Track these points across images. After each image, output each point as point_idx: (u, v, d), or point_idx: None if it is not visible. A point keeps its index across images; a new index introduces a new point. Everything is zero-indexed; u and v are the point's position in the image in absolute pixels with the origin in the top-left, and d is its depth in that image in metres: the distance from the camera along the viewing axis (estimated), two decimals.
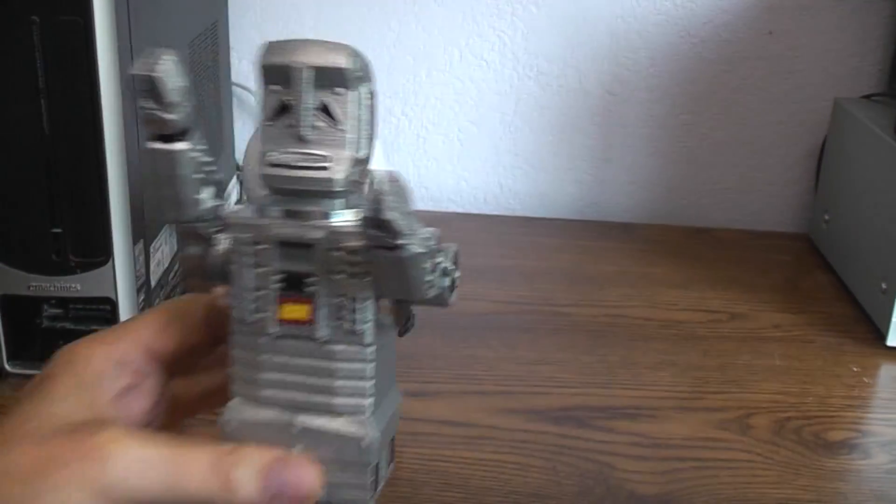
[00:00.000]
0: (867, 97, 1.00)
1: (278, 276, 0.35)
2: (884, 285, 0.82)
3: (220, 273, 0.36)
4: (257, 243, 0.34)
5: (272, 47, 0.33)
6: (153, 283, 0.70)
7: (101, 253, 0.65)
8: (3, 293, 0.66)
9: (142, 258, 0.68)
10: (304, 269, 0.34)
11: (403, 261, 0.32)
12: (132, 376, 0.38)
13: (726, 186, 1.11)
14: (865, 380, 0.77)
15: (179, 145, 0.34)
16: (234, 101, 1.07)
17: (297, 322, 0.35)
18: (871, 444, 0.68)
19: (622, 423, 0.69)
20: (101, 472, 0.33)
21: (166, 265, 0.74)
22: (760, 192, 1.11)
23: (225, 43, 0.98)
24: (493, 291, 0.88)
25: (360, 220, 0.33)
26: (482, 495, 0.60)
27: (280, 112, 0.34)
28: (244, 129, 1.09)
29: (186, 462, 0.34)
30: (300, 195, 0.34)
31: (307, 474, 0.35)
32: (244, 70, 1.08)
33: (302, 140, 0.34)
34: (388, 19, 1.06)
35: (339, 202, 0.35)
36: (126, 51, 0.62)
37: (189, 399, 0.41)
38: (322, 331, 0.35)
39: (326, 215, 0.35)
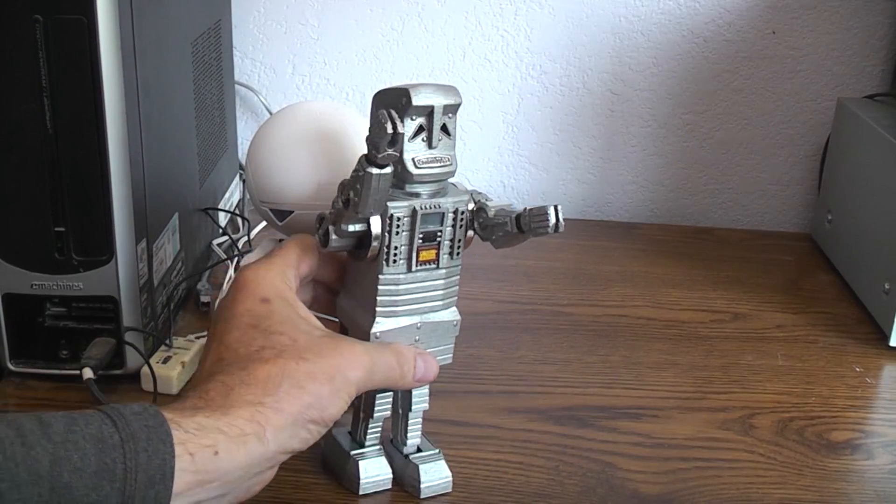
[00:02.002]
0: (870, 97, 1.00)
1: (420, 234, 0.54)
2: (887, 286, 0.82)
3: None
4: (412, 215, 0.54)
5: (413, 91, 0.52)
6: (156, 282, 0.70)
7: (103, 252, 0.65)
8: (6, 292, 0.66)
9: (144, 257, 0.68)
10: (434, 229, 0.55)
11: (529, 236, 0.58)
12: (294, 283, 0.55)
13: (729, 186, 1.11)
14: (868, 380, 0.77)
15: (389, 170, 0.52)
16: (238, 100, 1.07)
17: (427, 261, 0.56)
18: (874, 445, 0.68)
19: (625, 422, 0.69)
20: (352, 375, 0.51)
21: (169, 264, 0.74)
22: (763, 192, 1.11)
23: (228, 42, 0.98)
24: (495, 291, 0.87)
25: (475, 199, 0.57)
26: (484, 495, 0.60)
27: (418, 132, 0.53)
28: (247, 128, 1.09)
29: (384, 359, 0.54)
30: (429, 182, 0.54)
31: (434, 364, 0.57)
32: (247, 69, 1.08)
33: (432, 148, 0.54)
34: (391, 19, 1.06)
35: (450, 186, 0.56)
36: (129, 50, 0.62)
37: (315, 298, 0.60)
38: (441, 263, 0.56)
39: (446, 195, 0.55)
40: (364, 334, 0.56)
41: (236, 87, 1.05)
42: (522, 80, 1.07)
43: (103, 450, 0.41)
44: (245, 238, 0.93)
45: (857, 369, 0.78)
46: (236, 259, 0.83)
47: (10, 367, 0.68)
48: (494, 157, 1.11)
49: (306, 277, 0.57)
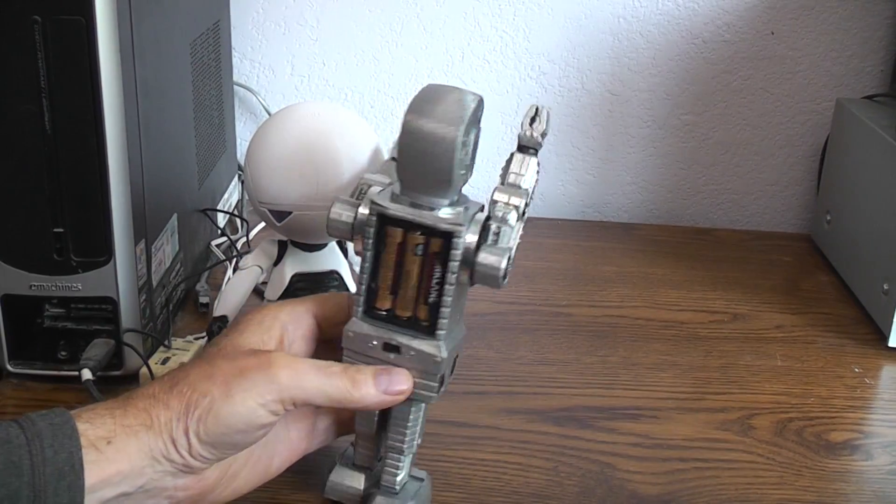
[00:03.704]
0: (869, 98, 1.00)
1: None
2: (886, 286, 0.82)
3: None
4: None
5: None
6: (154, 283, 0.70)
7: (102, 253, 0.65)
8: (5, 293, 0.66)
9: (143, 258, 0.68)
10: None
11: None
12: (304, 330, 0.55)
13: (728, 187, 1.11)
14: (867, 381, 0.77)
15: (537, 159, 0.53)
16: (236, 101, 1.07)
17: None
18: (873, 446, 0.68)
19: (623, 423, 0.69)
20: (274, 378, 0.49)
21: (167, 265, 0.74)
22: (762, 192, 1.11)
23: (227, 42, 0.98)
24: (493, 291, 0.87)
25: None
26: (483, 496, 0.60)
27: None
28: (245, 129, 1.09)
29: (328, 370, 0.51)
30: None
31: (403, 378, 0.52)
32: (246, 70, 1.08)
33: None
34: (390, 20, 1.06)
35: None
36: (128, 50, 0.62)
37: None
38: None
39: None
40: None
41: (235, 87, 1.05)
42: (521, 81, 1.07)
43: (10, 450, 0.45)
44: (244, 239, 0.93)
45: (856, 370, 0.78)
46: (235, 260, 0.83)
47: (9, 368, 0.68)
48: (493, 157, 1.10)
49: (324, 321, 0.56)
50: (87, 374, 0.64)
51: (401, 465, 0.55)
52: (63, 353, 0.68)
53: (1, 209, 0.63)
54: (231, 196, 1.00)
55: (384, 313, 0.52)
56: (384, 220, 0.50)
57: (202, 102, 0.86)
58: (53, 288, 0.65)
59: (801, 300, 0.90)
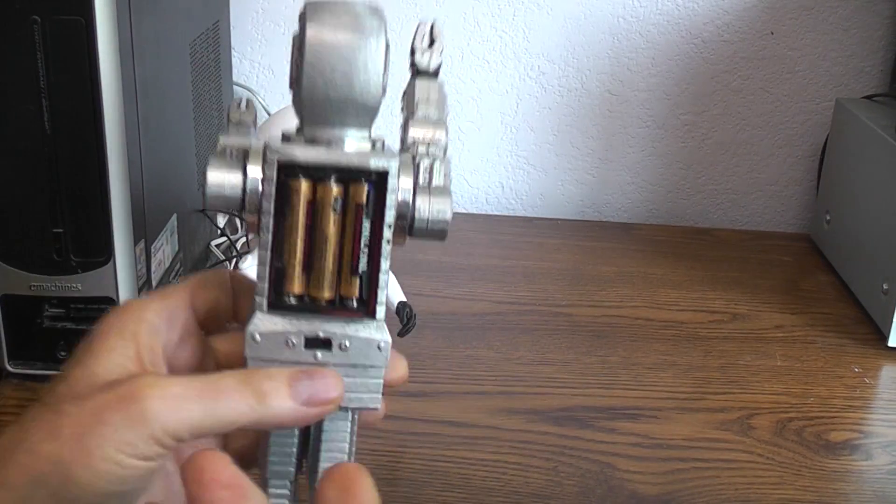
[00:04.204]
0: (869, 97, 1.00)
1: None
2: (885, 286, 0.82)
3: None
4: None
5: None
6: (154, 283, 0.70)
7: (102, 253, 0.65)
8: (5, 293, 0.66)
9: (143, 258, 0.68)
10: None
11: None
12: (181, 329, 0.40)
13: (727, 187, 1.11)
14: (867, 381, 0.77)
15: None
16: None
17: None
18: (873, 445, 0.68)
19: (623, 423, 0.69)
20: (141, 415, 0.34)
21: (167, 265, 0.74)
22: (761, 192, 1.11)
23: (226, 42, 0.98)
24: (493, 291, 0.87)
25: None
26: (483, 495, 0.60)
27: None
28: None
29: (218, 386, 0.36)
30: None
31: (332, 381, 0.37)
32: (245, 70, 1.08)
33: None
34: (390, 20, 1.05)
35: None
36: (127, 51, 0.62)
37: (234, 356, 0.41)
38: None
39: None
40: None
41: (235, 87, 1.05)
42: (521, 81, 1.07)
43: None
44: (243, 239, 0.93)
45: (856, 369, 0.78)
46: (235, 260, 0.83)
47: (9, 368, 0.68)
48: (493, 157, 1.11)
49: (205, 312, 0.42)
50: None
51: None
52: (63, 353, 0.68)
53: (1, 209, 0.63)
54: None
55: (298, 300, 0.38)
56: (286, 174, 0.38)
57: (202, 102, 0.86)
58: (53, 288, 0.65)
59: (801, 300, 0.90)
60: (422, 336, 0.78)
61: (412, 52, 0.43)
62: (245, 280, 0.42)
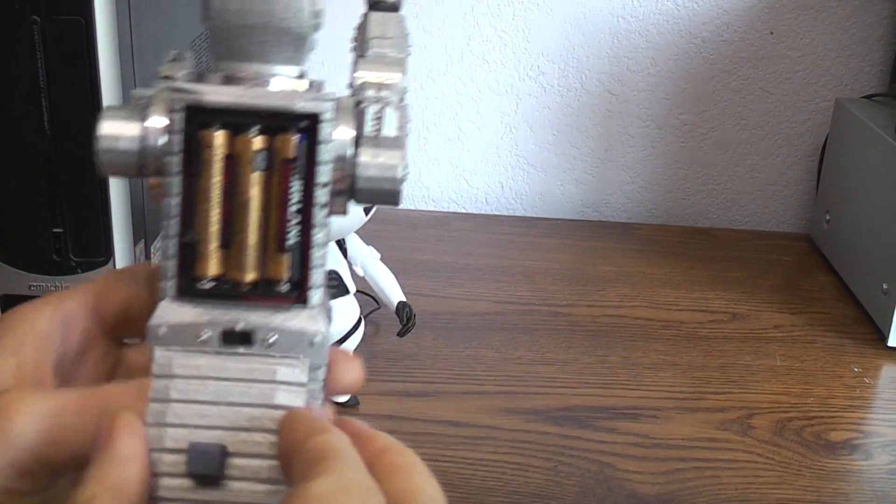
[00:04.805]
0: (868, 97, 1.00)
1: None
2: (885, 286, 0.82)
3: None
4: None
5: None
6: None
7: (101, 253, 0.65)
8: (4, 293, 0.66)
9: (143, 258, 0.68)
10: None
11: None
12: (81, 335, 0.34)
13: (727, 186, 1.11)
14: (866, 380, 0.77)
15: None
16: None
17: None
18: (873, 445, 0.68)
19: (623, 423, 0.69)
20: (6, 437, 0.29)
21: None
22: (761, 192, 1.11)
23: None
24: (493, 291, 0.87)
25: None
26: (483, 495, 0.60)
27: None
28: None
29: (109, 399, 0.29)
30: None
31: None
32: None
33: None
34: None
35: None
36: (127, 50, 0.62)
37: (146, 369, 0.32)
38: None
39: None
40: None
41: None
42: (520, 81, 1.07)
43: None
44: None
45: (856, 369, 0.78)
46: None
47: None
48: (492, 157, 1.11)
49: (114, 315, 0.34)
50: None
51: None
52: None
53: (1, 209, 0.63)
54: None
55: (213, 284, 0.31)
56: (198, 123, 0.31)
57: None
58: (53, 288, 0.65)
59: (801, 300, 0.90)
60: (421, 336, 0.78)
61: None
62: None
